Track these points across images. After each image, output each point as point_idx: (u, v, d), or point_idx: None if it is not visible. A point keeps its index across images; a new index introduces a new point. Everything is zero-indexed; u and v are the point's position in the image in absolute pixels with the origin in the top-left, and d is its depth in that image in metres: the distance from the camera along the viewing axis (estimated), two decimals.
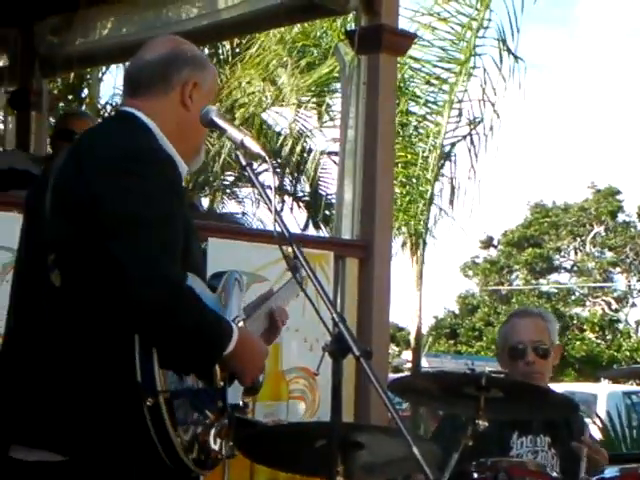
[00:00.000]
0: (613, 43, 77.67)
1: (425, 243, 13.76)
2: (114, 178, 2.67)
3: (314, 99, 14.15)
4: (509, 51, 11.88)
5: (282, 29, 12.05)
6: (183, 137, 2.95)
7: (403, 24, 10.98)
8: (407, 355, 25.94)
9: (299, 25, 11.98)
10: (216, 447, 2.81)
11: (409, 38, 6.41)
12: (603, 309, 42.43)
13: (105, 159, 2.72)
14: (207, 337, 2.70)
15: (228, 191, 16.52)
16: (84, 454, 2.66)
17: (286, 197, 15.65)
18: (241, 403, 3.00)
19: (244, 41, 13.61)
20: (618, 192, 42.54)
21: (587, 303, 43.35)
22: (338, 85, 11.83)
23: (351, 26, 9.97)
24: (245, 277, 5.10)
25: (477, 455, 3.84)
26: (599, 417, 9.74)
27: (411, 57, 12.06)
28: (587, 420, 8.17)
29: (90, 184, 2.67)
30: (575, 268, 44.18)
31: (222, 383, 2.86)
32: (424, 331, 25.71)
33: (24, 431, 2.71)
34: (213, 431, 2.80)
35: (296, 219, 15.73)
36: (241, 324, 2.96)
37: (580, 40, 77.13)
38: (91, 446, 2.65)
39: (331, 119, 14.09)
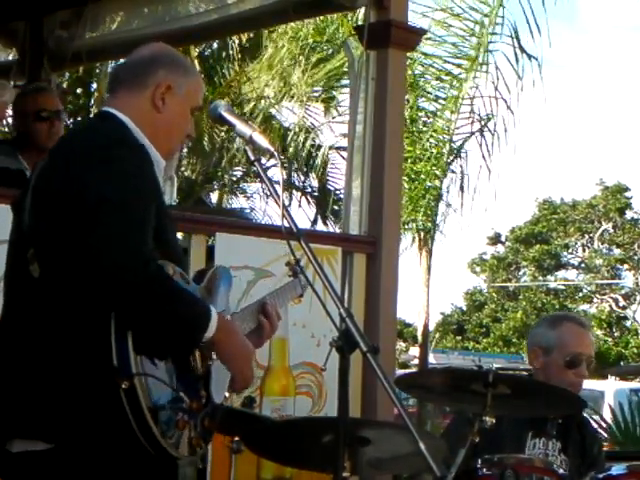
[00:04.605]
0: (617, 38, 77.60)
1: (433, 239, 13.76)
2: (83, 166, 2.73)
3: (324, 94, 14.16)
4: (522, 49, 11.86)
5: (294, 26, 12.04)
6: (155, 138, 2.98)
7: (417, 20, 11.02)
8: (414, 351, 25.93)
9: (312, 22, 11.95)
10: (197, 434, 2.82)
11: (418, 33, 6.39)
12: (611, 306, 42.39)
13: (77, 151, 2.80)
14: (183, 316, 2.72)
15: (236, 186, 16.54)
16: (67, 440, 2.70)
17: (295, 192, 15.66)
18: (226, 394, 3.01)
19: (252, 35, 13.61)
20: (626, 189, 42.47)
21: (595, 300, 43.31)
22: (348, 80, 11.82)
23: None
24: (252, 272, 5.12)
25: (491, 452, 3.85)
26: (611, 409, 9.75)
27: (423, 53, 12.07)
28: (595, 417, 8.19)
29: (63, 176, 2.74)
30: (583, 265, 44.13)
31: (204, 372, 2.87)
32: (431, 327, 25.71)
33: (10, 422, 2.76)
34: (195, 419, 2.81)
35: (306, 214, 15.76)
36: (228, 317, 2.98)
37: (585, 35, 77.05)
38: (73, 432, 2.69)
39: (339, 114, 14.10)
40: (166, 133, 3.02)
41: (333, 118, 14.43)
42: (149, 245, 2.72)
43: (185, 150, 14.92)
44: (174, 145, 3.09)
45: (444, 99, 12.80)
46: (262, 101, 14.31)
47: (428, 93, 12.76)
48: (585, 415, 4.64)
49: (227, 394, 3.03)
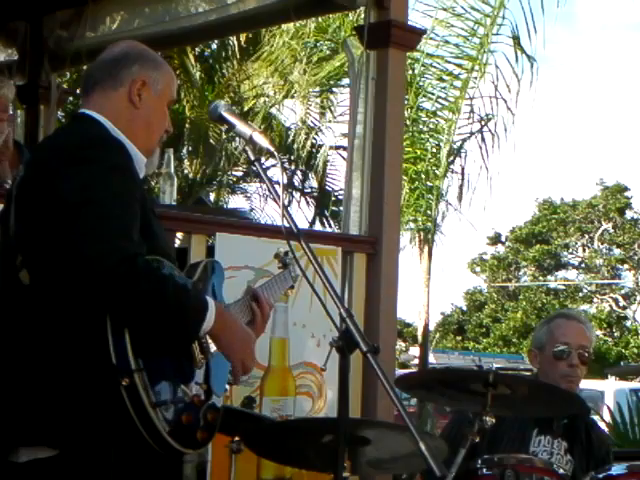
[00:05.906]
0: (614, 38, 77.58)
1: (433, 239, 13.75)
2: (64, 168, 2.72)
3: (324, 94, 14.15)
4: (522, 50, 11.85)
5: (297, 24, 12.02)
6: (133, 134, 2.98)
7: (418, 19, 10.99)
8: (414, 351, 25.94)
9: (315, 20, 11.94)
10: (201, 428, 2.81)
11: (418, 33, 6.38)
12: (611, 306, 42.40)
13: (56, 154, 2.79)
14: (178, 309, 2.70)
15: (236, 186, 16.53)
16: (72, 444, 2.69)
17: (294, 192, 15.66)
18: (227, 387, 3.01)
19: (250, 36, 13.60)
20: (626, 189, 42.50)
21: (595, 300, 43.32)
22: (348, 80, 11.80)
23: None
24: (252, 272, 5.12)
25: (496, 448, 3.85)
26: (610, 411, 9.75)
27: (427, 54, 12.06)
28: (595, 417, 8.18)
29: (44, 178, 2.73)
30: (583, 265, 44.14)
31: (203, 366, 2.86)
32: (431, 327, 25.72)
33: (13, 430, 2.74)
34: (198, 412, 2.81)
35: (305, 215, 15.76)
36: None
37: (582, 35, 77.01)
38: (77, 435, 2.68)
39: (341, 114, 14.09)
40: (144, 129, 3.01)
41: (335, 117, 14.42)
42: (135, 241, 2.71)
43: (185, 150, 14.93)
44: (153, 141, 3.07)
45: (445, 99, 12.79)
46: (262, 99, 14.28)
47: (430, 93, 12.74)
48: (592, 417, 4.63)
49: (228, 387, 3.03)
